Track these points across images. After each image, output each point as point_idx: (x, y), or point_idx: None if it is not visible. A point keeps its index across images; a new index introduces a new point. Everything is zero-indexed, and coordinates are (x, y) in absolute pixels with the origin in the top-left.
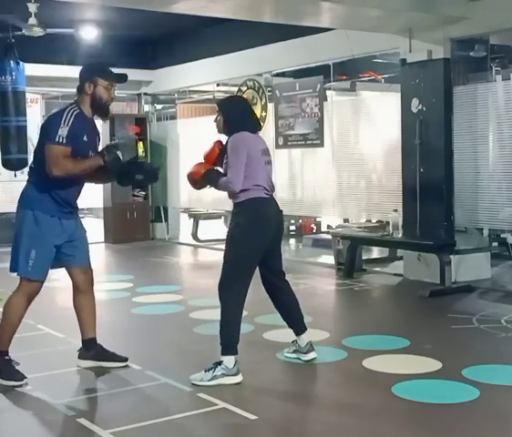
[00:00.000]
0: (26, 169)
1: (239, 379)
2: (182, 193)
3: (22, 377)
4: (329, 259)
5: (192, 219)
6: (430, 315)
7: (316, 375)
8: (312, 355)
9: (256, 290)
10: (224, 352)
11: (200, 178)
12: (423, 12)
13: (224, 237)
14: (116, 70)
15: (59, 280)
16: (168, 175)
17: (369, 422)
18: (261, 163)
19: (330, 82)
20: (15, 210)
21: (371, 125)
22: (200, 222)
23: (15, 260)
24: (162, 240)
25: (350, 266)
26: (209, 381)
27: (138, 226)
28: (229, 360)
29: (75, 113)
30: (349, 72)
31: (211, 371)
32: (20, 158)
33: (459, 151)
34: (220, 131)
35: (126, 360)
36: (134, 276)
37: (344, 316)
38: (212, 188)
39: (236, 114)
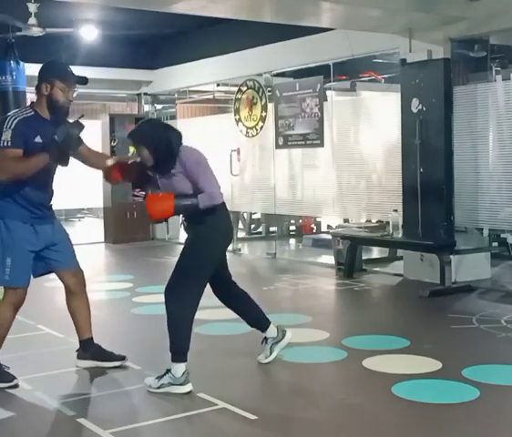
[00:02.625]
0: None
1: (186, 388)
2: None
3: (12, 377)
4: (329, 259)
5: None
6: (430, 315)
7: (316, 375)
8: (289, 335)
9: (255, 292)
10: (173, 359)
11: (171, 213)
12: (423, 12)
13: None
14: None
15: (59, 280)
16: None
17: (369, 422)
18: (211, 169)
19: (330, 82)
20: None
21: (371, 125)
22: None
23: None
24: (162, 240)
25: (350, 266)
26: (157, 388)
27: (138, 226)
28: (176, 369)
29: (20, 117)
30: (349, 72)
31: (159, 379)
32: None
33: (459, 151)
34: (151, 164)
35: (124, 358)
36: (134, 276)
37: (344, 316)
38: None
39: (163, 136)
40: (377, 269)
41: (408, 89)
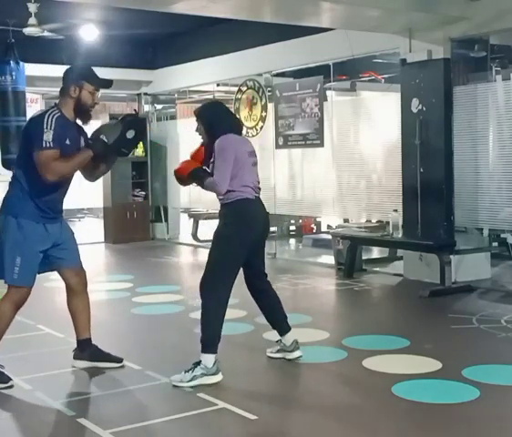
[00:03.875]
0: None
1: (218, 378)
2: (182, 193)
3: (7, 378)
4: (329, 259)
5: (192, 219)
6: (430, 315)
7: (316, 375)
8: (297, 353)
9: None
10: (204, 350)
11: (187, 176)
12: (423, 12)
13: None
14: (104, 73)
15: (59, 280)
16: (168, 175)
17: (369, 422)
18: (247, 164)
19: (330, 82)
20: None
21: (371, 125)
22: (200, 222)
23: (1, 268)
24: (162, 240)
25: (350, 266)
26: (189, 381)
27: (138, 226)
28: (208, 359)
29: (55, 116)
30: (349, 72)
31: (191, 372)
32: None
33: (459, 151)
34: (204, 140)
35: (121, 360)
36: (134, 276)
37: (344, 316)
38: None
39: (216, 118)
40: (377, 269)
41: (408, 89)
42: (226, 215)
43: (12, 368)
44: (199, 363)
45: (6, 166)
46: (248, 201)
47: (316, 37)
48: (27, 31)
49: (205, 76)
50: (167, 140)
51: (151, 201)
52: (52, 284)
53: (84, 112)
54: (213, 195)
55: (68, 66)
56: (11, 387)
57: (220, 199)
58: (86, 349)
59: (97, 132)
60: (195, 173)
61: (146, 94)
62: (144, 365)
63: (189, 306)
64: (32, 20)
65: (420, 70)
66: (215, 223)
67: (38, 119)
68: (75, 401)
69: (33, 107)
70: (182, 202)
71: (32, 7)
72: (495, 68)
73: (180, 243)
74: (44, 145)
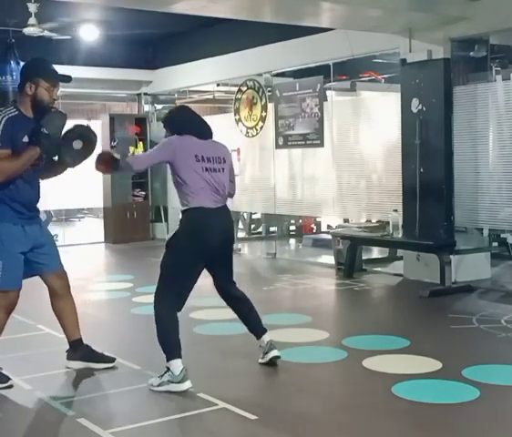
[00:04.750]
0: None
1: (185, 386)
2: None
3: (6, 378)
4: (329, 259)
5: None
6: (430, 315)
7: (316, 375)
8: (273, 353)
9: (255, 292)
10: (167, 358)
11: (106, 168)
12: (423, 12)
13: None
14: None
15: None
16: (168, 175)
17: (369, 423)
18: (195, 169)
19: (330, 82)
20: None
21: (371, 125)
22: None
23: None
24: (162, 240)
25: (350, 266)
26: (158, 386)
27: (138, 226)
28: (174, 366)
29: (9, 115)
30: (349, 72)
31: (160, 377)
32: None
33: (459, 151)
34: None
35: (113, 360)
36: (134, 276)
37: (344, 316)
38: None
39: (178, 122)
40: (377, 269)
41: (408, 89)
42: (180, 222)
43: (12, 368)
44: (169, 369)
45: None
46: (202, 211)
47: (316, 37)
48: (27, 31)
49: (205, 76)
50: None
51: (151, 201)
52: None
53: (41, 109)
54: None
55: (24, 63)
56: (10, 387)
57: (180, 206)
58: (78, 349)
59: (38, 126)
60: (108, 160)
61: (146, 94)
62: (144, 365)
63: (189, 306)
64: (32, 20)
65: (420, 70)
66: None
67: None
68: (75, 401)
69: None
70: None
71: (32, 7)
72: (495, 68)
73: None
74: None
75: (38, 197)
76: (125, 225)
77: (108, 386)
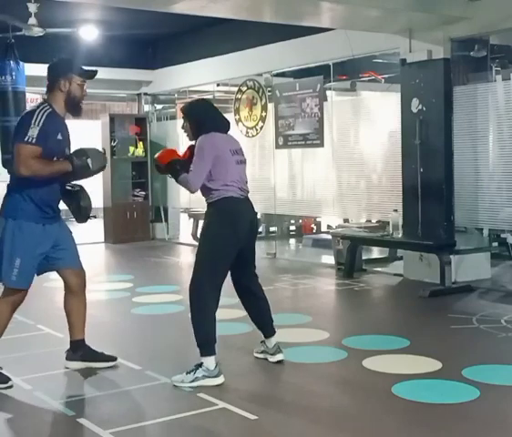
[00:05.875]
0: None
1: (220, 380)
2: (182, 193)
3: (7, 378)
4: (329, 259)
5: (192, 219)
6: (430, 315)
7: (316, 375)
8: (278, 357)
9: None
10: (203, 354)
11: (164, 166)
12: (423, 12)
13: None
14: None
15: (59, 280)
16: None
17: (369, 422)
18: (231, 163)
19: (330, 82)
20: None
21: (371, 125)
22: (200, 222)
23: (0, 269)
24: (162, 240)
25: (350, 266)
26: (191, 382)
27: (138, 226)
28: (208, 362)
29: (47, 112)
30: (349, 72)
31: (192, 373)
32: None
33: (459, 151)
34: (190, 138)
35: (115, 359)
36: (134, 276)
37: (344, 316)
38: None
39: (201, 116)
40: (377, 269)
41: (408, 89)
42: (210, 214)
43: (12, 368)
44: (200, 365)
45: (6, 166)
46: (232, 200)
47: (316, 37)
48: (27, 31)
49: (205, 76)
50: (166, 140)
51: (151, 201)
52: (52, 284)
53: (75, 105)
54: None
55: (52, 61)
56: (10, 387)
57: (205, 199)
58: (78, 350)
59: (83, 152)
60: (172, 164)
61: (146, 94)
62: (144, 365)
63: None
64: (32, 20)
65: (420, 70)
66: None
67: (28, 114)
68: (75, 401)
69: None
70: (182, 202)
71: (32, 7)
72: (495, 68)
73: (180, 243)
74: (26, 139)
75: (60, 198)
76: (125, 225)
77: (108, 386)
